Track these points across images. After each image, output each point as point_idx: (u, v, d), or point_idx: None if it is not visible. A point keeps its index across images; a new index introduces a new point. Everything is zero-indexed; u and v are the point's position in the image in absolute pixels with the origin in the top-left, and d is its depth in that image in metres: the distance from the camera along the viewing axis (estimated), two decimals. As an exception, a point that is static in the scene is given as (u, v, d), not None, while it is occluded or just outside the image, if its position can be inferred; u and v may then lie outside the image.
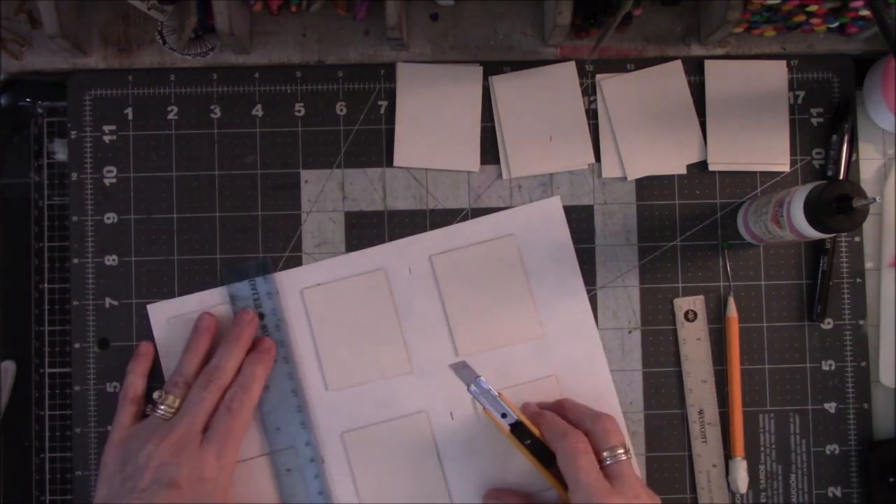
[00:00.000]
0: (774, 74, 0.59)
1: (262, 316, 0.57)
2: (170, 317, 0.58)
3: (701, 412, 0.58)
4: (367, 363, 0.58)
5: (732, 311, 0.58)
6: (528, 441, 0.53)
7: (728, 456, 0.58)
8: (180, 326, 0.58)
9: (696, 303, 0.58)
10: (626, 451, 0.51)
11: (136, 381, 0.56)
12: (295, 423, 0.57)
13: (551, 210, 0.59)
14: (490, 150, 0.59)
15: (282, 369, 0.57)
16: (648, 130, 0.59)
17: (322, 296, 0.58)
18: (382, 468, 0.57)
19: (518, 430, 0.53)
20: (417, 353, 0.58)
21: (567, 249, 0.58)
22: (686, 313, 0.59)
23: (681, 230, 0.59)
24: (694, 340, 0.58)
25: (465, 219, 0.59)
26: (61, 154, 0.60)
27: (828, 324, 0.59)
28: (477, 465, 0.57)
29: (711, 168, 0.59)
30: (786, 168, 0.59)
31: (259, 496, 0.57)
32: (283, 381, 0.57)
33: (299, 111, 0.60)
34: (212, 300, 0.58)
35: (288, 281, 0.58)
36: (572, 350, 0.58)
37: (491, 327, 0.58)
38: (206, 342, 0.56)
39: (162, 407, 0.53)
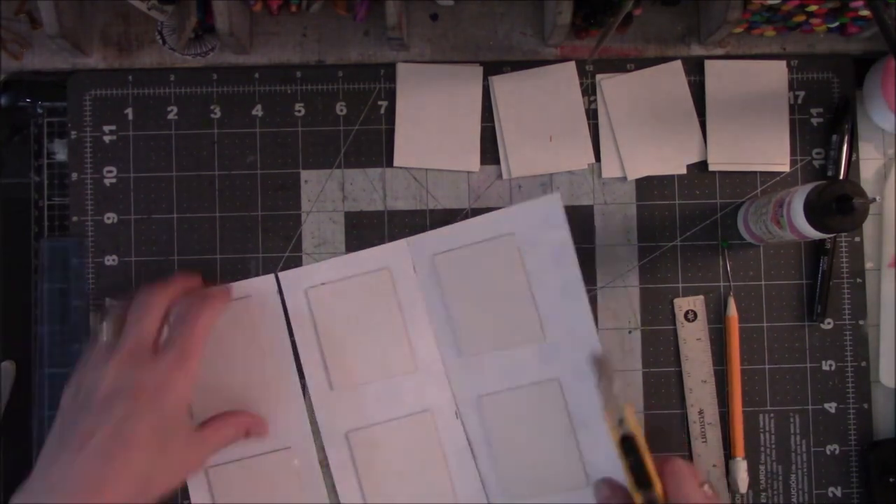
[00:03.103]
0: (774, 74, 0.59)
1: None
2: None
3: (701, 412, 0.58)
4: (372, 362, 0.58)
5: (732, 311, 0.58)
6: (632, 458, 0.51)
7: (728, 456, 0.58)
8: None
9: (696, 303, 0.59)
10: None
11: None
12: (300, 422, 0.57)
13: (551, 207, 0.58)
14: (490, 150, 0.59)
15: (289, 368, 0.57)
16: (648, 130, 0.59)
17: (326, 295, 0.58)
18: (387, 467, 0.57)
19: (626, 443, 0.51)
20: (421, 352, 0.58)
21: (567, 247, 0.57)
22: (686, 313, 0.59)
23: (681, 230, 0.59)
24: (694, 340, 0.58)
25: (465, 218, 0.59)
26: (61, 154, 0.60)
27: (828, 324, 0.59)
28: (481, 465, 0.57)
29: (711, 168, 0.59)
30: (786, 168, 0.59)
31: (265, 495, 0.57)
32: (290, 381, 0.57)
33: (299, 111, 0.60)
34: None
35: (292, 280, 0.58)
36: (576, 354, 0.57)
37: (493, 328, 0.57)
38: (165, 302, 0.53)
39: (104, 337, 0.52)
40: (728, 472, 0.58)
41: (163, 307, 0.52)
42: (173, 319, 0.52)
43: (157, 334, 0.51)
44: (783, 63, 0.60)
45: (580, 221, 0.59)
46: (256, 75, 0.60)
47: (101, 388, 0.48)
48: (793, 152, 0.59)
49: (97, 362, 0.50)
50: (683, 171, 0.59)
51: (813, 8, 0.55)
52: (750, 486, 0.58)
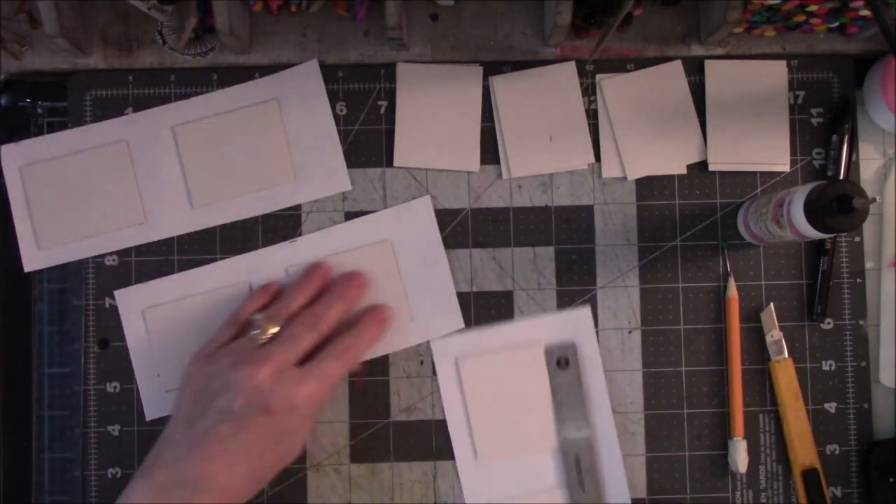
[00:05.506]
0: (774, 74, 0.59)
1: None
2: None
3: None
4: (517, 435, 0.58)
5: (732, 291, 0.58)
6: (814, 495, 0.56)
7: (727, 437, 0.58)
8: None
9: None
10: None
11: (248, 306, 0.56)
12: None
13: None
14: (490, 150, 0.59)
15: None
16: (648, 130, 0.59)
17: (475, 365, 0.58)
18: None
19: (809, 477, 0.57)
20: None
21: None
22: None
23: (681, 230, 0.59)
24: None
25: (465, 219, 0.59)
26: (61, 154, 0.60)
27: (828, 324, 0.59)
28: None
29: (711, 168, 0.59)
30: (786, 168, 0.59)
31: None
32: None
33: (299, 111, 0.60)
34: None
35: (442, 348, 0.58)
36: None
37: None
38: (317, 286, 0.56)
39: (256, 331, 0.53)
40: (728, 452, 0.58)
41: (320, 337, 0.54)
42: (328, 349, 0.53)
43: (304, 356, 0.53)
44: (783, 63, 0.60)
45: (580, 221, 0.59)
46: (256, 75, 0.60)
47: (245, 390, 0.50)
48: (793, 152, 0.59)
49: (243, 360, 0.51)
50: (683, 171, 0.59)
51: (813, 8, 0.55)
52: (750, 486, 0.58)
